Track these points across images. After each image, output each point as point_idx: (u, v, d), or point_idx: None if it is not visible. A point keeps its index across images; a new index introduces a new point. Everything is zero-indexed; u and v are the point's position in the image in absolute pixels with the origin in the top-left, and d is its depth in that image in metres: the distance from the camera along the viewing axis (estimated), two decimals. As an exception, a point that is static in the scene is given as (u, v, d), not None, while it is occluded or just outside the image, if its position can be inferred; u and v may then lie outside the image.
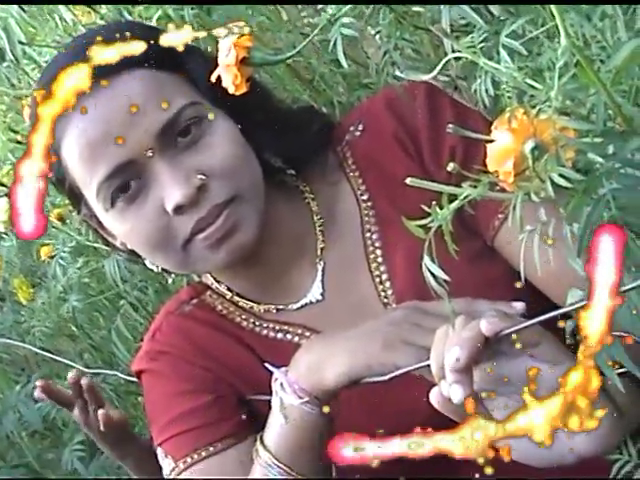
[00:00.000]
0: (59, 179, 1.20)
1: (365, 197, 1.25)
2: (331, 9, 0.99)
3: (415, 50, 1.51)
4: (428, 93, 1.22)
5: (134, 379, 1.70)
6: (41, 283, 2.22)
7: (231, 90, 1.04)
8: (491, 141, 0.79)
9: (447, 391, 0.88)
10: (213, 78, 1.05)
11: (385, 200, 1.23)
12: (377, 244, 1.23)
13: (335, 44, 0.98)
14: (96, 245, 1.88)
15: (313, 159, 1.27)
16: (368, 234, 1.24)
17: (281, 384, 1.08)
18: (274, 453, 1.11)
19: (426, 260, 0.80)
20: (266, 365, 1.12)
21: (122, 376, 1.76)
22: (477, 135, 0.93)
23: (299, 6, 1.74)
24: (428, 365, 0.93)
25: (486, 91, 0.82)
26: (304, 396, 1.06)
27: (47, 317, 2.04)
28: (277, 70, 1.53)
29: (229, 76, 1.03)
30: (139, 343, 1.78)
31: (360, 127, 1.27)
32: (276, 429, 1.09)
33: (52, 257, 2.00)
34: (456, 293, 0.83)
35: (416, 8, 1.19)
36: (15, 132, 2.15)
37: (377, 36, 1.17)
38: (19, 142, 2.07)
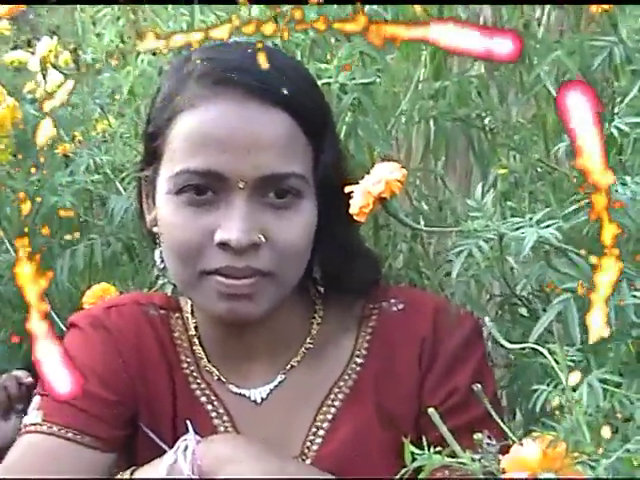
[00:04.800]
0: (155, 132, 1.23)
1: (358, 360, 1.28)
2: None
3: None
4: (472, 332, 1.26)
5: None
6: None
7: (352, 210, 1.09)
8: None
9: None
10: (347, 190, 1.10)
11: (372, 378, 1.26)
12: (337, 404, 1.26)
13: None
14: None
15: (344, 295, 1.31)
16: (337, 389, 1.26)
17: (186, 447, 1.10)
18: None
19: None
20: (187, 422, 1.13)
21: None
22: (487, 405, 1.00)
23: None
24: None
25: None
26: (197, 474, 1.08)
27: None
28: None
29: (362, 200, 1.08)
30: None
31: (400, 306, 1.30)
32: (151, 476, 1.10)
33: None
34: None
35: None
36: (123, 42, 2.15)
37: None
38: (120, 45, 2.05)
